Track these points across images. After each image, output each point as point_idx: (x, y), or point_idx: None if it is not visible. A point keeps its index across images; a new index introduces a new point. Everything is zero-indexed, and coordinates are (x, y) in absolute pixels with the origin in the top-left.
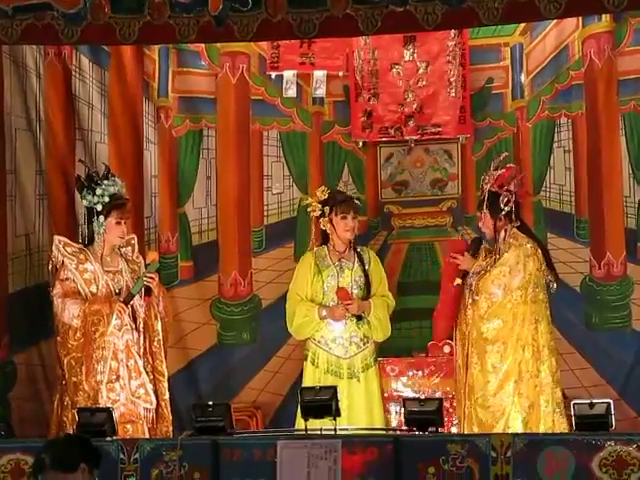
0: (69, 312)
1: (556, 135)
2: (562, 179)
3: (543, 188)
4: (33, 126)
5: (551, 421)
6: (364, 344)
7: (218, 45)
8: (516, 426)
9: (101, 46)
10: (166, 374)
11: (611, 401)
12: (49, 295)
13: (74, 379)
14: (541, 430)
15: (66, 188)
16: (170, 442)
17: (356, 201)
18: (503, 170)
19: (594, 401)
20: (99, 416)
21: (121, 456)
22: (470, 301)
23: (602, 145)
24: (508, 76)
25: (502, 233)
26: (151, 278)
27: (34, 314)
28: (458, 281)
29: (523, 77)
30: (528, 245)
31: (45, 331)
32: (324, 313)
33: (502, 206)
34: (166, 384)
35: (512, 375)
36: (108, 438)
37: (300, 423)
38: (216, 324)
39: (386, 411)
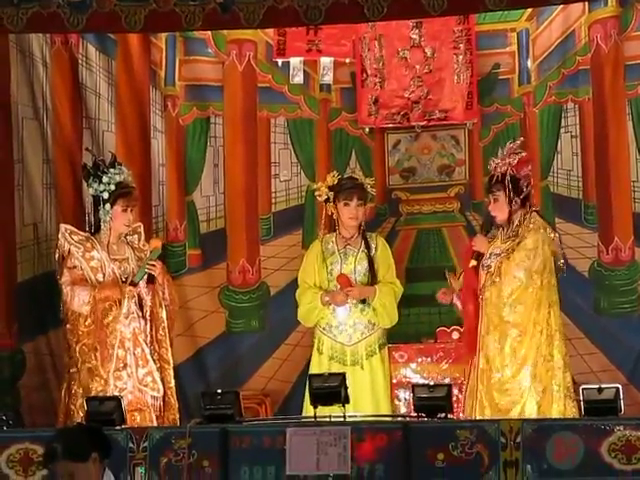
0: (79, 299)
1: (563, 120)
2: (569, 164)
3: (551, 173)
4: (40, 115)
5: (563, 405)
6: (369, 331)
7: (225, 33)
8: (530, 410)
9: (108, 35)
10: (171, 362)
11: (620, 386)
12: (57, 284)
13: (88, 365)
14: (553, 414)
15: (73, 177)
16: (179, 430)
17: (370, 189)
18: (523, 155)
19: (603, 386)
20: (108, 405)
21: (130, 445)
22: (489, 283)
23: (609, 130)
24: (515, 61)
25: (516, 217)
26: (153, 265)
27: (42, 303)
28: (473, 262)
29: (530, 62)
30: (547, 230)
31: (53, 320)
32: (326, 299)
33: (524, 189)
34: (172, 372)
35: (529, 359)
36: (117, 427)
37: (308, 410)
38: (225, 312)
39: (395, 397)
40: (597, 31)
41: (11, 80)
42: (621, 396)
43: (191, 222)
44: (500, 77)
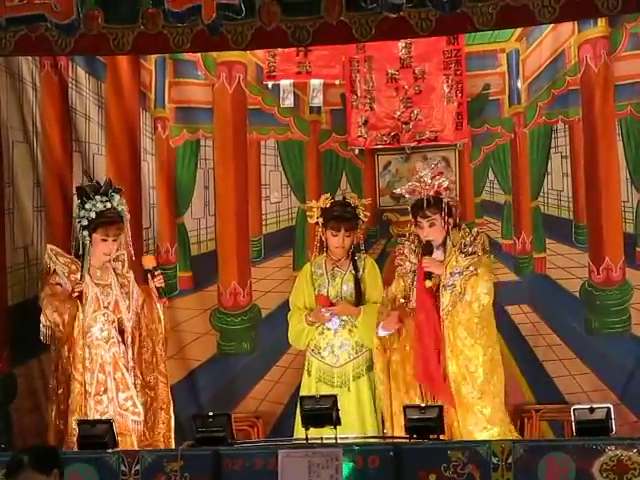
0: (44, 315)
1: (553, 141)
2: (560, 185)
3: (541, 194)
4: (30, 138)
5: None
6: (356, 353)
7: (214, 55)
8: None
9: (97, 58)
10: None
11: (611, 406)
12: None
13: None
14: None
15: (63, 200)
16: (171, 453)
17: (362, 213)
18: (449, 177)
19: (594, 406)
20: (100, 428)
21: (122, 468)
22: (455, 301)
23: (599, 150)
24: (505, 82)
25: (453, 237)
26: (161, 277)
27: (34, 326)
28: (428, 283)
29: (520, 83)
30: (488, 251)
31: (45, 343)
32: (310, 319)
33: (453, 211)
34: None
35: (499, 386)
36: (109, 450)
37: (299, 432)
38: (216, 334)
39: None
40: (587, 51)
41: (1, 103)
42: (612, 416)
43: (182, 244)
44: (490, 98)
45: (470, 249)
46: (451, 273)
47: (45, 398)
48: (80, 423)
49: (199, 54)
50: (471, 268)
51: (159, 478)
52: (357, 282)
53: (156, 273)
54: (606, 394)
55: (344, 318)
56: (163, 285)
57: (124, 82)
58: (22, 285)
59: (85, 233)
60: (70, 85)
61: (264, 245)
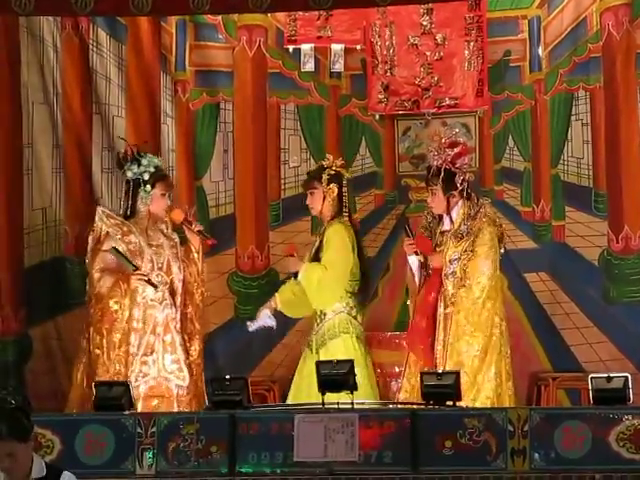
0: (105, 285)
1: (574, 108)
2: (580, 152)
3: (561, 161)
4: (50, 100)
5: (506, 388)
6: (321, 320)
7: (235, 18)
8: (486, 401)
9: (118, 20)
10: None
11: (629, 375)
12: (66, 268)
13: (97, 351)
14: (506, 402)
15: (82, 161)
16: (187, 416)
17: (327, 172)
18: (459, 149)
19: (611, 375)
20: (116, 390)
21: (138, 430)
22: (458, 287)
23: (620, 118)
24: (526, 49)
25: (459, 209)
26: (196, 223)
27: (51, 288)
28: (420, 258)
29: (541, 50)
30: (497, 223)
31: (62, 305)
32: None
33: (458, 185)
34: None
35: (495, 351)
36: (125, 412)
37: (296, 397)
38: (233, 298)
39: (385, 386)
40: (609, 18)
41: (22, 64)
42: (630, 385)
43: (200, 207)
44: (511, 64)
45: (468, 226)
46: (450, 261)
47: (62, 360)
48: (97, 385)
49: (220, 17)
50: (466, 250)
51: (175, 441)
52: (318, 248)
53: (190, 219)
54: (624, 363)
55: None
56: (202, 227)
57: (145, 44)
58: (39, 247)
59: (148, 188)
60: (91, 47)
61: (282, 209)
